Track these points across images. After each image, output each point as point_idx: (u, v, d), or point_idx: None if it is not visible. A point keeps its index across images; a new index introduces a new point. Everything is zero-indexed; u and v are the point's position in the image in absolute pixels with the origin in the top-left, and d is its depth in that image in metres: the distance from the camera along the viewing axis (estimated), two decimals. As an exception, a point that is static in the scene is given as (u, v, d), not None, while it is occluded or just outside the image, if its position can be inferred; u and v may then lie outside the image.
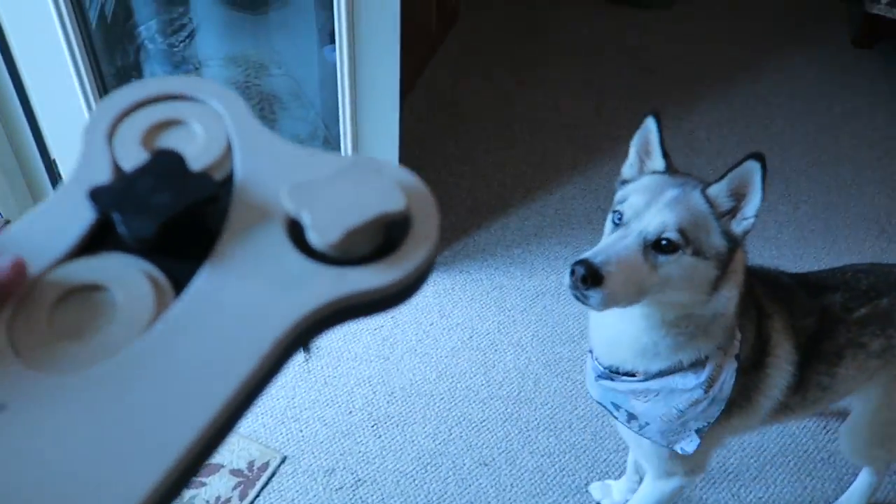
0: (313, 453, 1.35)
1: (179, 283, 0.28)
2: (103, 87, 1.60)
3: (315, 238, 0.28)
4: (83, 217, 0.28)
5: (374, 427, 1.41)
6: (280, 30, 2.05)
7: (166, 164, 0.28)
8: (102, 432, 0.24)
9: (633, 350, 0.85)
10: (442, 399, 1.47)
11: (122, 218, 0.27)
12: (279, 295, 0.27)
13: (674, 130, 2.28)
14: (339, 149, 1.53)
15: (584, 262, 0.75)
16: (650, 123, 0.89)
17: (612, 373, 0.88)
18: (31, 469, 0.23)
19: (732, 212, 0.80)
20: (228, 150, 0.31)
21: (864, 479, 1.27)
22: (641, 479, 1.16)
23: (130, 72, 1.79)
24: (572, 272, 0.76)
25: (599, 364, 0.90)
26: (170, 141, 0.31)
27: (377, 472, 1.33)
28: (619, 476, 1.35)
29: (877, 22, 2.50)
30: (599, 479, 1.36)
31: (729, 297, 0.82)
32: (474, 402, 1.47)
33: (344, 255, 0.28)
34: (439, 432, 1.41)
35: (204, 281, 0.27)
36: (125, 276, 0.27)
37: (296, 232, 0.29)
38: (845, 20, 2.79)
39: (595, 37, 2.66)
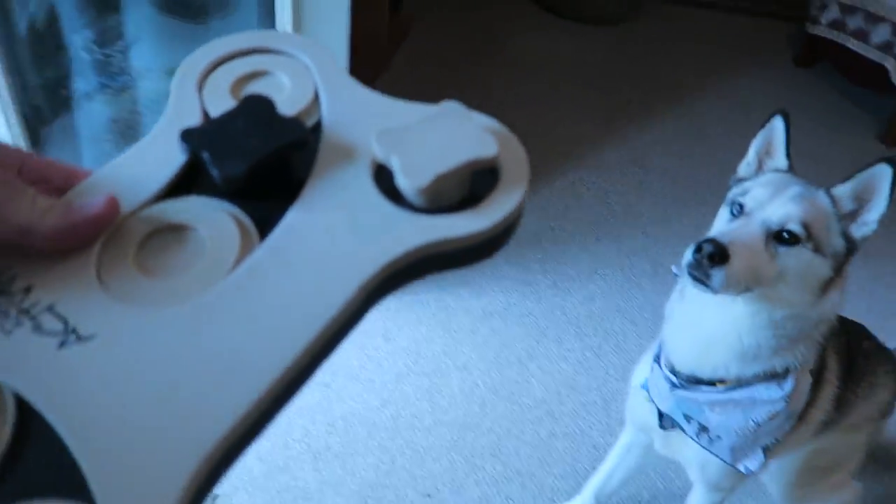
0: (247, 490, 1.28)
1: (265, 226, 0.28)
2: (27, 101, 1.52)
3: (404, 183, 0.27)
4: (173, 160, 0.28)
5: (314, 460, 1.35)
6: (222, 41, 1.99)
7: (256, 108, 0.28)
8: (187, 368, 0.24)
9: (732, 351, 0.83)
10: (385, 427, 1.42)
11: (212, 158, 0.27)
12: (365, 240, 0.27)
13: (622, 147, 2.28)
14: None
15: (712, 241, 0.75)
16: (777, 122, 0.89)
17: (692, 382, 0.86)
18: (118, 398, 0.23)
19: (853, 215, 0.81)
20: (316, 99, 0.31)
21: None
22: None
23: (61, 83, 1.70)
24: (698, 249, 0.75)
25: (676, 373, 0.88)
26: (258, 90, 0.31)
27: (315, 507, 1.27)
28: (567, 499, 1.32)
29: (817, 42, 2.55)
30: (546, 508, 1.32)
31: (835, 303, 0.82)
32: (419, 429, 1.42)
33: (432, 203, 0.28)
34: (382, 463, 1.36)
35: (290, 224, 0.27)
36: (212, 217, 0.27)
37: (384, 179, 0.29)
38: (788, 41, 2.86)
39: (546, 54, 2.66)
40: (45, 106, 1.69)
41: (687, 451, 0.96)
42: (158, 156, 0.29)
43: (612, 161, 2.22)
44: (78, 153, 1.65)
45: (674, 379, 0.88)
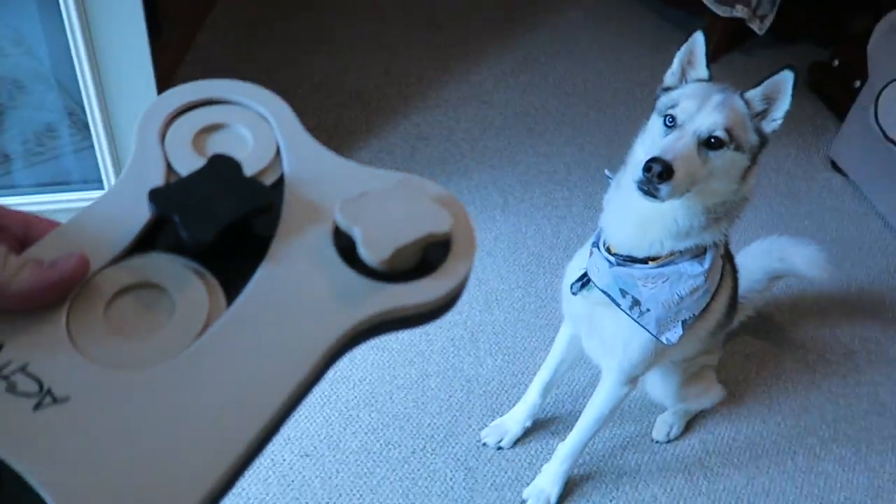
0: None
1: (231, 285, 0.28)
2: None
3: (366, 254, 0.29)
4: (140, 216, 0.28)
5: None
6: None
7: (223, 170, 0.29)
8: (164, 429, 0.24)
9: (668, 231, 0.96)
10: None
11: (182, 221, 0.27)
12: (330, 305, 0.28)
13: (462, 83, 2.28)
14: (90, 136, 1.33)
15: (659, 160, 0.86)
16: (698, 37, 0.99)
17: (629, 260, 0.99)
18: (97, 459, 0.23)
19: (764, 114, 0.94)
20: (277, 155, 0.32)
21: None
22: (541, 403, 1.34)
23: None
24: (648, 169, 0.86)
25: (614, 254, 1.01)
26: (220, 144, 0.32)
27: None
28: (450, 435, 1.34)
29: (634, -32, 2.66)
30: (424, 446, 1.34)
31: (751, 185, 0.97)
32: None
33: (388, 271, 0.29)
34: (252, 431, 1.30)
35: (257, 287, 0.28)
36: (180, 277, 0.28)
37: (342, 238, 0.30)
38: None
39: (376, -5, 2.59)
40: None
41: (615, 331, 1.07)
42: (125, 211, 0.29)
43: (454, 99, 2.22)
44: None
45: (612, 259, 1.00)
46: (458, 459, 1.33)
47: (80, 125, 1.37)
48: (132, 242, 0.29)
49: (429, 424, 1.38)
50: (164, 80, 2.00)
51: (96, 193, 1.39)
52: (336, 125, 2.02)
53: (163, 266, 0.28)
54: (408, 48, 2.39)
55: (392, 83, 2.23)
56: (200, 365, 0.27)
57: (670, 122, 0.93)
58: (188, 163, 0.31)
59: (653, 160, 0.87)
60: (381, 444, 1.33)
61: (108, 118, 1.31)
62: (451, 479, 1.29)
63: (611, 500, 1.31)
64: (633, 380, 1.13)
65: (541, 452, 1.36)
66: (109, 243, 0.28)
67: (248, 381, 0.27)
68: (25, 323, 0.26)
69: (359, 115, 2.07)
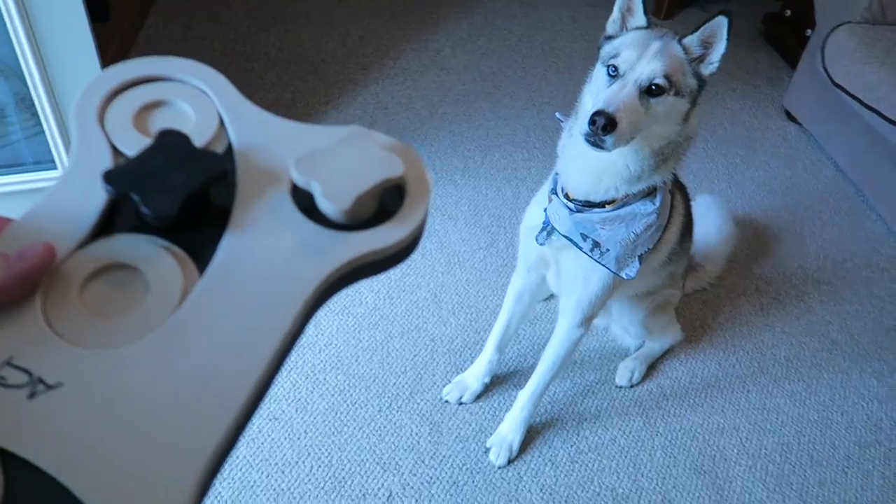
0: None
1: (199, 255, 0.28)
2: None
3: (327, 206, 0.29)
4: (96, 200, 0.28)
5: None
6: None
7: (174, 144, 0.29)
8: (160, 399, 0.25)
9: (621, 177, 1.00)
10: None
11: (142, 198, 0.28)
12: (300, 260, 0.29)
13: (420, 51, 2.29)
14: (36, 117, 1.34)
15: (602, 113, 0.90)
16: None
17: (587, 205, 1.03)
18: (99, 438, 0.24)
19: (701, 58, 0.97)
20: (221, 126, 0.32)
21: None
22: (498, 359, 1.39)
23: None
24: (593, 122, 0.90)
25: (573, 201, 1.04)
26: (162, 121, 0.32)
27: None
28: (415, 392, 1.38)
29: (587, -73, 2.66)
30: (390, 404, 1.38)
31: (694, 124, 1.01)
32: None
33: (352, 220, 0.30)
34: (221, 399, 1.34)
35: (226, 254, 0.29)
36: (149, 254, 0.28)
37: (300, 199, 0.30)
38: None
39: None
40: None
41: (576, 270, 1.11)
42: (79, 197, 0.29)
43: (413, 67, 2.23)
44: None
45: (571, 205, 1.04)
46: (423, 415, 1.37)
47: (31, 110, 1.37)
48: (94, 227, 0.29)
49: (394, 384, 1.42)
50: (115, 63, 2.00)
51: (50, 174, 1.40)
52: (294, 99, 2.03)
53: (129, 245, 0.29)
54: (363, 19, 2.39)
55: (349, 55, 2.23)
56: (185, 333, 0.27)
57: (613, 72, 0.96)
58: (132, 142, 0.30)
59: (597, 113, 0.90)
60: (347, 405, 1.37)
61: (55, 102, 1.32)
62: (416, 434, 1.34)
63: (571, 445, 1.36)
64: (587, 320, 1.18)
65: (503, 405, 1.41)
66: (71, 230, 0.28)
67: (235, 342, 0.27)
68: (1, 318, 0.26)
69: (317, 88, 2.08)
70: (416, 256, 1.68)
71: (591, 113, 0.91)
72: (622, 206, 1.03)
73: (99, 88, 0.32)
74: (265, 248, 0.29)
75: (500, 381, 1.45)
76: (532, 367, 1.30)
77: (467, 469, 1.30)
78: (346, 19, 2.36)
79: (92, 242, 0.29)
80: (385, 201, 0.31)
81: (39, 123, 1.37)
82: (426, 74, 2.20)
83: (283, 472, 1.25)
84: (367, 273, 0.31)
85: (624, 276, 1.08)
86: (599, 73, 0.99)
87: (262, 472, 1.25)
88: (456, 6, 2.50)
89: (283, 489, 1.23)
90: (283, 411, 1.34)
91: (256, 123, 0.33)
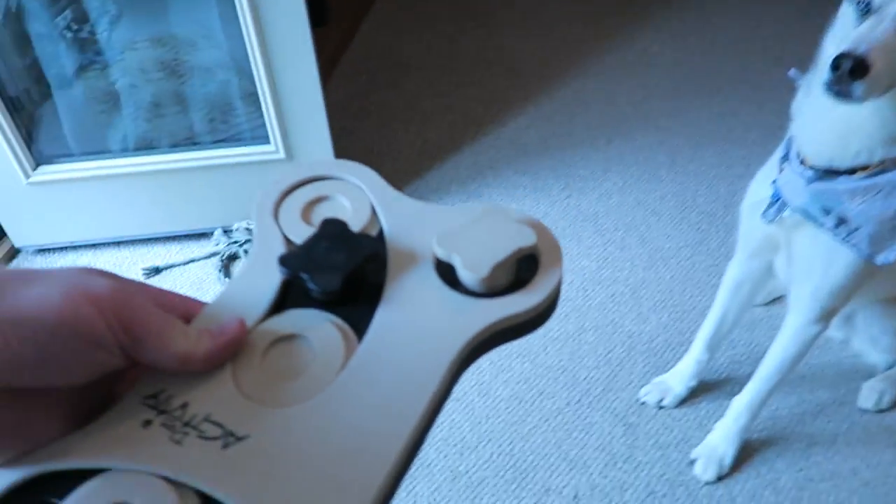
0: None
1: (358, 326, 0.33)
2: (11, 86, 1.49)
3: (467, 276, 0.33)
4: (273, 282, 0.34)
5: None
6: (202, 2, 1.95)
7: (334, 230, 0.34)
8: (329, 448, 0.29)
9: (876, 138, 0.82)
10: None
11: (311, 277, 0.33)
12: (446, 325, 0.32)
13: (626, 50, 2.18)
14: (262, 115, 1.43)
15: (849, 55, 0.74)
16: None
17: (829, 173, 0.85)
18: (278, 484, 0.28)
19: None
20: (373, 213, 0.37)
21: None
22: (707, 360, 1.20)
23: (40, 65, 1.67)
24: (836, 67, 0.74)
25: (811, 168, 0.87)
26: (324, 212, 0.37)
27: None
28: (608, 390, 1.24)
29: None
30: (579, 399, 1.25)
31: None
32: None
33: (490, 289, 0.33)
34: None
35: (380, 324, 0.33)
36: (317, 326, 0.33)
37: (442, 271, 0.34)
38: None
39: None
40: (31, 89, 1.66)
41: (813, 253, 0.93)
42: (259, 281, 0.34)
43: (616, 64, 2.12)
44: (63, 134, 1.62)
45: (809, 173, 0.87)
46: (617, 414, 1.23)
47: (256, 104, 1.47)
48: (271, 304, 0.34)
49: (585, 378, 1.29)
50: (331, 63, 2.11)
51: (264, 147, 1.48)
52: (493, 95, 2.01)
53: (300, 319, 0.33)
54: (564, 19, 2.33)
55: (549, 56, 2.18)
56: (347, 393, 0.31)
57: (864, 9, 0.78)
58: (300, 232, 0.36)
59: (841, 56, 0.73)
60: (533, 394, 1.27)
61: (276, 96, 1.40)
62: (608, 434, 1.20)
63: (799, 470, 1.14)
64: (826, 315, 0.98)
65: (711, 414, 1.22)
66: (254, 307, 0.33)
67: (390, 401, 0.30)
68: (199, 382, 0.31)
69: (515, 85, 2.05)
70: (613, 250, 1.55)
71: (834, 57, 0.74)
72: (879, 172, 0.83)
73: (273, 191, 0.38)
74: (414, 316, 0.33)
75: (708, 388, 1.26)
76: (748, 377, 1.11)
77: (667, 480, 1.13)
78: (550, 24, 2.32)
79: (270, 317, 0.33)
80: (520, 271, 0.34)
81: (262, 116, 1.46)
82: (631, 72, 2.08)
83: (461, 455, 1.17)
84: (506, 338, 0.33)
85: (879, 262, 0.87)
86: (846, 11, 0.81)
87: (441, 453, 1.18)
88: (665, 7, 2.36)
89: (460, 472, 1.15)
90: (465, 394, 1.27)
91: (402, 209, 0.37)
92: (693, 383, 1.23)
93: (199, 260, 1.53)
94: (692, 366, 1.21)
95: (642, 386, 1.26)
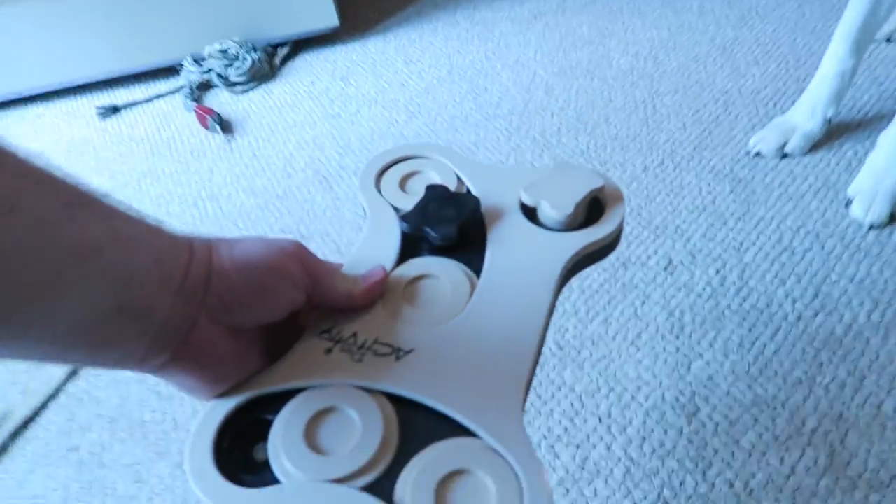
0: (237, 224, 0.93)
1: (470, 265, 0.40)
2: None
3: (554, 214, 0.40)
4: (395, 238, 0.41)
5: (322, 182, 0.97)
6: None
7: (440, 192, 0.42)
8: (479, 353, 0.36)
9: None
10: (413, 136, 1.03)
11: (431, 228, 0.40)
12: (546, 256, 0.39)
13: None
14: None
15: None
16: None
17: None
18: (445, 379, 0.35)
19: None
20: (459, 181, 0.44)
21: None
22: (854, 67, 0.83)
23: None
24: None
25: None
26: (418, 184, 0.44)
27: (329, 224, 0.90)
28: (701, 148, 0.87)
29: None
30: (662, 161, 0.88)
31: None
32: (461, 128, 1.02)
33: (570, 226, 0.40)
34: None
35: (492, 263, 0.40)
36: (442, 266, 0.39)
37: (529, 216, 0.41)
38: None
39: None
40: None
41: None
42: (383, 239, 0.41)
43: None
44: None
45: None
46: (718, 172, 0.85)
47: None
48: (398, 255, 0.40)
49: (666, 141, 0.92)
50: None
51: None
52: None
53: (425, 264, 0.40)
54: None
55: None
56: (481, 313, 0.37)
57: None
58: (402, 200, 0.43)
59: None
60: (598, 164, 0.91)
61: None
62: (708, 193, 0.83)
63: None
64: None
65: (860, 156, 0.83)
66: (385, 260, 0.40)
67: (517, 315, 0.37)
68: (360, 316, 0.37)
69: None
70: (690, 17, 1.18)
71: None
72: None
73: (372, 168, 0.45)
74: (518, 252, 0.40)
75: (844, 130, 0.87)
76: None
77: (807, 232, 0.75)
78: None
79: (399, 266, 0.40)
80: (589, 212, 0.41)
81: None
82: None
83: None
84: (584, 265, 0.41)
85: None
86: None
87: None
88: None
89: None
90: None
91: (483, 172, 0.44)
92: (831, 112, 0.84)
93: (165, 95, 1.24)
94: (831, 81, 0.83)
95: (750, 139, 0.89)
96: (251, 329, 0.32)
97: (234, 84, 1.23)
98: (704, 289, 0.71)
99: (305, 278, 0.33)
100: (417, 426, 0.33)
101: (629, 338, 0.68)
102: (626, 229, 0.82)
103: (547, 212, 0.40)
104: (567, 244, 0.40)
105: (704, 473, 0.57)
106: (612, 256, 0.41)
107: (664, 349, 0.66)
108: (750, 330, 0.67)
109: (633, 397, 0.63)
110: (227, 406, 0.33)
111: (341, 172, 0.99)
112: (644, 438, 0.60)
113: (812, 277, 0.70)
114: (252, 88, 1.22)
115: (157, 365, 0.29)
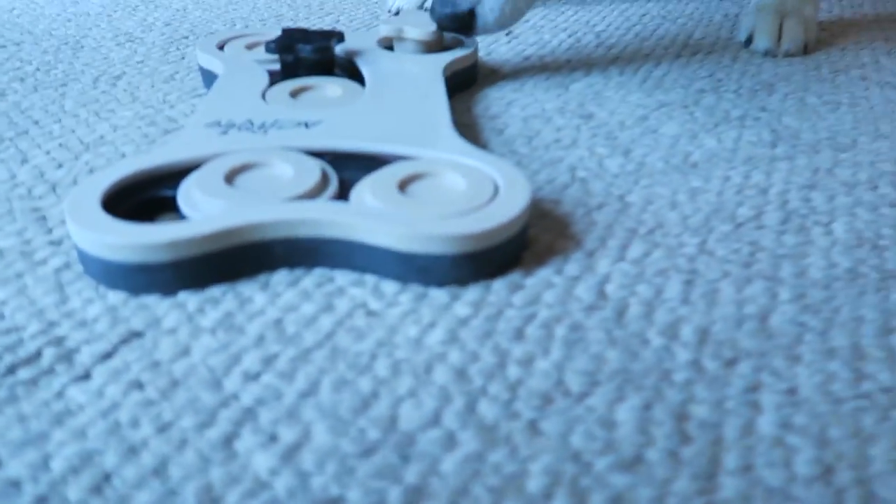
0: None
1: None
2: None
3: (417, 35, 0.51)
4: (260, 74, 0.46)
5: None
6: None
7: (300, 29, 0.47)
8: (397, 114, 0.40)
9: None
10: None
11: (305, 43, 0.46)
12: (421, 65, 0.47)
13: None
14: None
15: None
16: None
17: None
18: (364, 128, 0.38)
19: None
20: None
21: None
22: None
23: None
24: None
25: None
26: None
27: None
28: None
29: None
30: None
31: None
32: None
33: (430, 50, 0.52)
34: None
35: (374, 73, 0.46)
36: (325, 79, 0.45)
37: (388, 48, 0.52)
38: None
39: None
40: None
41: None
42: (246, 76, 0.45)
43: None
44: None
45: None
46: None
47: None
48: (268, 84, 0.44)
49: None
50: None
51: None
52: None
53: (307, 79, 0.44)
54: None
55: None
56: (378, 94, 0.42)
57: None
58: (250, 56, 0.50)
59: None
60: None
61: None
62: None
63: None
64: None
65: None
66: (256, 86, 0.44)
67: (422, 90, 0.42)
68: (250, 107, 0.40)
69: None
70: None
71: None
72: None
73: (210, 40, 0.52)
74: (392, 67, 0.46)
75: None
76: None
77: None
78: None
79: (278, 84, 0.44)
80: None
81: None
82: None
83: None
84: (455, 88, 0.48)
85: None
86: None
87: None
88: None
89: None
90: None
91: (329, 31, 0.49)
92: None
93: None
94: None
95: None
96: None
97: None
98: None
99: None
100: (356, 167, 0.33)
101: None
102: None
103: (410, 32, 0.48)
104: (437, 59, 0.48)
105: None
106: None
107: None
108: None
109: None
110: (112, 175, 0.30)
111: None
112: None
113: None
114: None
115: None
